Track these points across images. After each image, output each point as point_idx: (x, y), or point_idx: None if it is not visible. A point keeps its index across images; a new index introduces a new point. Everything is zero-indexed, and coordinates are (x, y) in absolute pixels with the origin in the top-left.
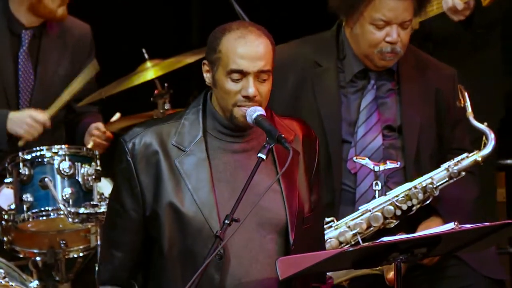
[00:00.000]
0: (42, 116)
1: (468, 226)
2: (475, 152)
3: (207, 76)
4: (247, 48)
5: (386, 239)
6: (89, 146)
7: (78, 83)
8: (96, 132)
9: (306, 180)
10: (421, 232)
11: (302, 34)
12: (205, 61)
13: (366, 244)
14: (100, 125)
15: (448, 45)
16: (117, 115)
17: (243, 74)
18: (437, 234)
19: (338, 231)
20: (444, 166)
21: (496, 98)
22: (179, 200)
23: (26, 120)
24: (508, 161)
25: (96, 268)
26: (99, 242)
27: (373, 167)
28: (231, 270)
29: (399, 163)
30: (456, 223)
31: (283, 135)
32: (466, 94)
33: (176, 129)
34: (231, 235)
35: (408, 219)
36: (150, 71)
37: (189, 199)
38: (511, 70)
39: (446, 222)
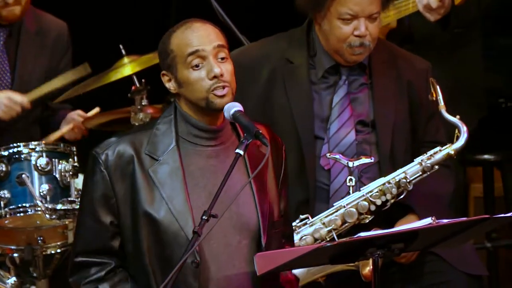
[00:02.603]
0: (21, 97)
1: (445, 221)
2: (447, 146)
3: (170, 85)
4: (196, 33)
5: (363, 234)
6: (66, 129)
7: (65, 79)
8: (77, 117)
9: (275, 185)
10: (398, 227)
11: (280, 31)
12: (163, 72)
13: (344, 239)
14: (80, 111)
15: (427, 44)
16: (96, 109)
17: (202, 57)
18: (414, 229)
19: (313, 228)
20: (417, 160)
21: (476, 95)
22: (155, 210)
23: (3, 101)
24: (485, 156)
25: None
26: None
27: (347, 163)
28: (210, 276)
29: (373, 158)
30: (433, 218)
31: (260, 131)
32: (438, 88)
33: (149, 138)
34: (208, 232)
35: (385, 217)
36: (127, 67)
37: (164, 208)
38: (491, 66)
39: (421, 219)
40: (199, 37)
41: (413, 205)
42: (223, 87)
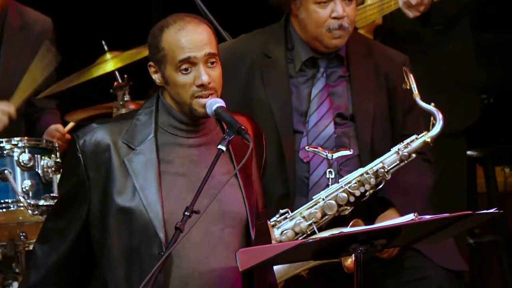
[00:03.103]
0: (8, 108)
1: (427, 217)
2: (424, 134)
3: (156, 76)
4: (189, 37)
5: (346, 230)
6: None
7: (39, 74)
8: (57, 134)
9: (258, 175)
10: (380, 223)
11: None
12: (150, 63)
13: (326, 235)
14: (59, 127)
15: (411, 41)
16: (70, 124)
17: (192, 63)
18: (397, 225)
19: (293, 222)
20: (394, 149)
21: (463, 93)
22: (126, 199)
23: None
24: (468, 152)
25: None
26: None
27: (326, 155)
28: (190, 264)
29: (352, 150)
30: (415, 214)
31: (243, 127)
32: (411, 76)
33: (128, 128)
34: (191, 227)
35: (366, 212)
36: (109, 63)
37: (135, 198)
38: (480, 64)
39: (402, 213)
40: (192, 42)
41: (393, 200)
42: (208, 95)
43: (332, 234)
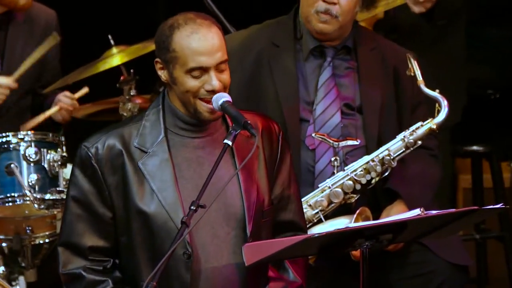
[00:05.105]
0: (6, 80)
1: (434, 212)
2: (429, 120)
3: (162, 73)
4: (202, 43)
5: (351, 225)
6: (52, 110)
7: (39, 52)
8: (64, 99)
9: (266, 173)
10: (386, 219)
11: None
12: (157, 59)
13: (332, 230)
14: (67, 93)
15: (413, 36)
16: (84, 89)
17: (204, 69)
18: (403, 220)
19: None
20: (400, 136)
21: (460, 85)
22: (145, 203)
23: None
24: (474, 148)
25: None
26: None
27: (332, 143)
28: (199, 266)
29: (359, 140)
30: (422, 209)
31: (249, 121)
32: (415, 62)
33: (138, 131)
34: (197, 222)
35: (372, 203)
36: (116, 57)
37: (154, 201)
38: (474, 56)
39: (408, 206)
40: (205, 49)
41: (400, 192)
42: None
43: (338, 229)
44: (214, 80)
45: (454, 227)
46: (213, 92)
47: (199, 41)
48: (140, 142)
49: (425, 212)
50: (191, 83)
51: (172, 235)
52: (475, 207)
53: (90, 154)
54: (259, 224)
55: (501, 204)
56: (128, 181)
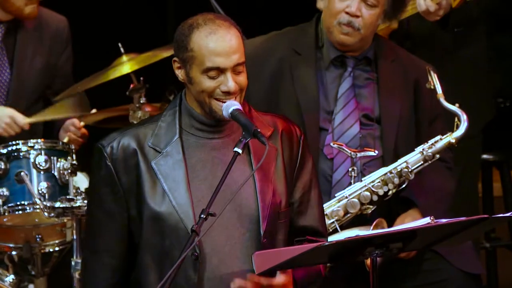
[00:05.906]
0: (22, 119)
1: (443, 220)
2: (448, 134)
3: (179, 72)
4: (220, 44)
5: (361, 233)
6: (64, 141)
7: (66, 111)
8: (72, 128)
9: (284, 175)
10: (396, 227)
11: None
12: (175, 59)
13: (342, 239)
14: (75, 121)
15: (427, 44)
16: (93, 111)
17: (220, 70)
18: (412, 229)
19: None
20: (419, 149)
21: (483, 97)
22: (157, 203)
23: (5, 120)
24: (484, 156)
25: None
26: (75, 237)
27: (350, 153)
28: (212, 268)
29: (376, 151)
30: (431, 218)
31: (259, 130)
32: (435, 76)
33: (153, 131)
34: (207, 229)
35: (387, 211)
36: (126, 65)
37: (165, 201)
38: (496, 67)
39: (424, 214)
40: (222, 50)
41: (416, 200)
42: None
43: (348, 237)
44: (230, 82)
45: (464, 235)
46: (229, 93)
47: (217, 41)
48: (154, 142)
49: (435, 221)
50: (207, 83)
51: (180, 236)
52: (485, 216)
53: (105, 153)
54: (274, 224)
55: (511, 213)
56: (141, 180)
